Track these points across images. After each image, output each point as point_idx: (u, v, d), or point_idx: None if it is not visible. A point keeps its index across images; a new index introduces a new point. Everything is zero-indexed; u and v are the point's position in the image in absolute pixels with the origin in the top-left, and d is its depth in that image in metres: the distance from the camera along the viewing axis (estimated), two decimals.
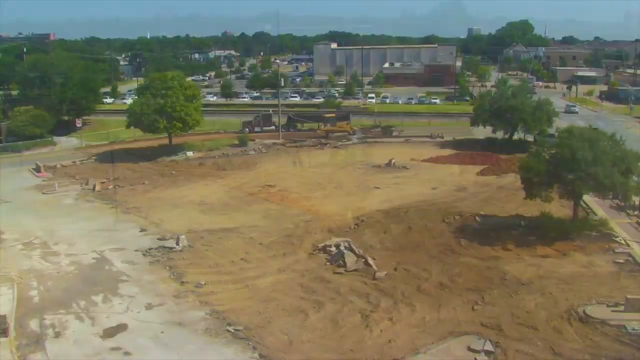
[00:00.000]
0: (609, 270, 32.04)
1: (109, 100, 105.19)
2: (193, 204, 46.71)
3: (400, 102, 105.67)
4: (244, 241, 37.83)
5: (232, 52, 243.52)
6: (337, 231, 39.06)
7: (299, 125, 79.12)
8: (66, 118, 78.04)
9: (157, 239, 38.42)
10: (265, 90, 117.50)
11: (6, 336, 25.84)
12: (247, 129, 74.59)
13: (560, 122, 62.07)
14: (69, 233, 39.97)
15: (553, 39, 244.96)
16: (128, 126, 67.35)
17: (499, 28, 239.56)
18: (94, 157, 64.49)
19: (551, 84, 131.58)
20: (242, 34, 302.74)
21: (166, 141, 67.23)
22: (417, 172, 54.92)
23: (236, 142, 69.18)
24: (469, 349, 24.50)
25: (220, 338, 25.92)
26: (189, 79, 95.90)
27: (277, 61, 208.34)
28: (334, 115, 79.44)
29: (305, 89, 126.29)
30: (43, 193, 50.25)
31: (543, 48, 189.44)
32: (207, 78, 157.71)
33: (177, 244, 36.82)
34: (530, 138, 65.03)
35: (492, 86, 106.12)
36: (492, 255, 34.36)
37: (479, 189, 48.58)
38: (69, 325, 27.19)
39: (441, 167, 56.46)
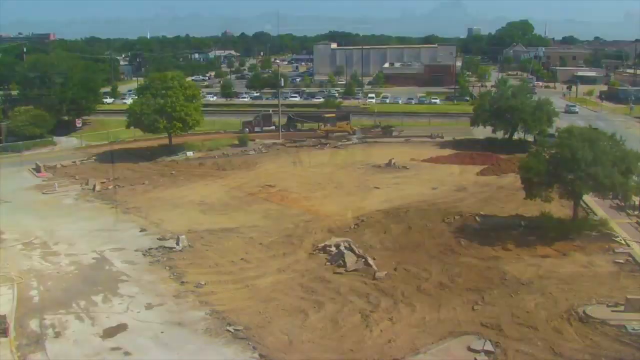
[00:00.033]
0: (609, 270, 32.05)
1: (109, 100, 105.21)
2: (193, 204, 46.71)
3: (400, 102, 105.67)
4: (244, 241, 37.84)
5: (232, 52, 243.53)
6: (337, 231, 39.06)
7: (299, 125, 79.05)
8: (66, 118, 78.04)
9: (157, 239, 38.43)
10: (265, 90, 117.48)
11: (6, 336, 25.85)
12: (247, 129, 74.58)
13: (561, 122, 62.08)
14: (69, 233, 39.99)
15: (553, 39, 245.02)
16: (128, 126, 67.35)
17: (499, 28, 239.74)
18: (94, 157, 64.50)
19: (551, 84, 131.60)
20: (242, 34, 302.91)
21: (166, 141, 67.21)
22: (417, 172, 54.92)
23: (236, 142, 69.18)
24: (469, 349, 24.51)
25: (220, 338, 25.92)
26: (189, 78, 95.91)
27: (277, 61, 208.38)
28: (334, 115, 79.33)
29: (305, 89, 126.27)
30: (43, 193, 50.26)
31: (543, 48, 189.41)
32: (207, 78, 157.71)
33: (177, 244, 36.83)
34: (530, 138, 65.03)
35: (492, 86, 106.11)
36: (492, 255, 34.37)
37: (479, 189, 48.59)
38: (69, 325, 27.20)
39: (441, 167, 56.46)
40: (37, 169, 57.50)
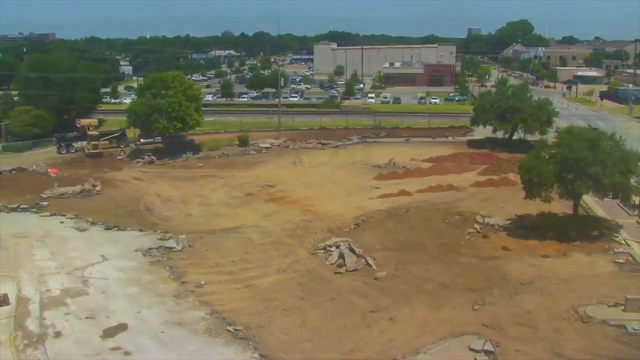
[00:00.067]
0: (609, 270, 32.09)
1: (111, 100, 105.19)
2: (193, 203, 46.71)
3: (400, 102, 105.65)
4: (244, 241, 37.85)
5: (232, 52, 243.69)
6: (337, 231, 39.07)
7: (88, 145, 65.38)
8: (66, 117, 77.96)
9: (157, 239, 38.44)
10: (265, 90, 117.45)
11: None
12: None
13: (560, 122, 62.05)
14: (68, 233, 40.02)
15: (553, 39, 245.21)
16: (128, 126, 67.30)
17: (499, 28, 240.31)
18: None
19: (551, 84, 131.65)
20: (242, 33, 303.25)
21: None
22: (417, 172, 54.85)
23: (236, 142, 69.15)
24: (469, 349, 24.51)
25: (220, 338, 25.92)
26: (189, 77, 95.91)
27: (279, 61, 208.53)
28: (96, 132, 66.82)
29: (304, 90, 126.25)
30: (43, 195, 50.03)
31: (543, 48, 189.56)
32: (207, 78, 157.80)
33: (177, 244, 36.84)
34: (530, 138, 64.98)
35: (492, 86, 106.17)
36: (492, 255, 34.39)
37: (479, 189, 48.59)
38: (69, 325, 27.18)
39: (441, 167, 56.43)
40: (39, 168, 57.65)
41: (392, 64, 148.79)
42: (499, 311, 27.63)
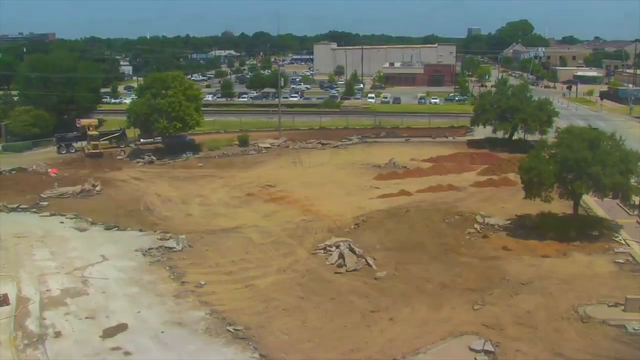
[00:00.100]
0: (609, 270, 32.08)
1: (111, 100, 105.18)
2: (193, 203, 46.71)
3: (400, 102, 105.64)
4: (244, 241, 37.84)
5: (232, 52, 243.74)
6: (337, 231, 39.06)
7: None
8: (66, 117, 77.96)
9: (157, 239, 38.44)
10: (265, 90, 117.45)
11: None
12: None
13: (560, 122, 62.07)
14: (68, 233, 40.02)
15: (553, 39, 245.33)
16: (128, 126, 67.30)
17: (499, 28, 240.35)
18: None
19: (551, 84, 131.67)
20: (242, 34, 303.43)
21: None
22: (417, 172, 54.85)
23: (236, 142, 69.15)
24: (469, 349, 24.50)
25: (220, 338, 25.91)
26: (188, 77, 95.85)
27: (279, 61, 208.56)
28: (96, 132, 66.63)
29: (305, 89, 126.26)
30: (43, 195, 50.03)
31: (543, 48, 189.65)
32: (207, 78, 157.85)
33: (177, 244, 36.84)
34: (530, 138, 64.99)
35: (492, 86, 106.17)
36: (492, 255, 34.39)
37: (479, 189, 48.59)
38: (69, 325, 27.18)
39: (441, 167, 56.43)
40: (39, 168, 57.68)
41: (392, 64, 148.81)
42: (499, 311, 27.63)
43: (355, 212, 42.61)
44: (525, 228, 38.43)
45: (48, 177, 55.41)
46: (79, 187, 50.45)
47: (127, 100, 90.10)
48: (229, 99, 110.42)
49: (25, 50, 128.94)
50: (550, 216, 38.63)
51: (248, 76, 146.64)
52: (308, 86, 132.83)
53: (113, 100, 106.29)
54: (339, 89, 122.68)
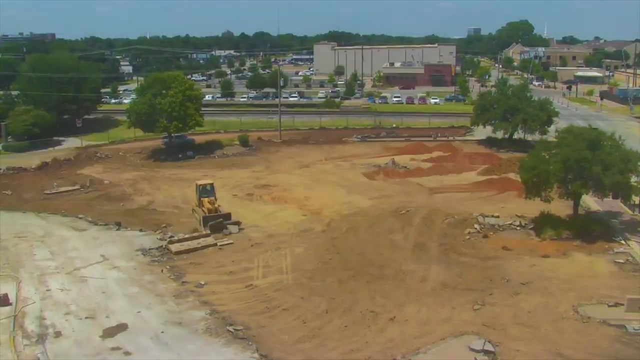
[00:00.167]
0: (609, 270, 32.09)
1: (111, 100, 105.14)
2: (193, 203, 46.58)
3: (399, 101, 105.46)
4: (244, 241, 37.80)
5: (232, 52, 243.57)
6: (337, 231, 39.02)
7: None
8: (66, 117, 77.93)
9: (157, 239, 38.42)
10: (265, 90, 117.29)
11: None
12: None
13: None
14: (68, 233, 40.02)
15: (553, 39, 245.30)
16: (129, 126, 67.31)
17: (499, 28, 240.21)
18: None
19: (551, 84, 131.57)
20: (242, 34, 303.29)
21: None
22: (417, 172, 54.86)
23: (236, 142, 69.10)
24: (469, 349, 24.51)
25: (220, 338, 25.92)
26: (189, 77, 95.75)
27: (279, 61, 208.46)
28: None
29: (304, 90, 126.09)
30: (45, 194, 50.07)
31: (543, 48, 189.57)
32: (207, 78, 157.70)
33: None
34: (530, 138, 64.97)
35: (492, 86, 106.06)
36: (492, 255, 34.39)
37: (479, 189, 48.56)
38: (69, 325, 27.19)
39: (441, 167, 56.43)
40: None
41: (392, 64, 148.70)
42: (499, 311, 27.64)
43: (355, 212, 42.56)
44: (525, 228, 38.44)
45: (48, 176, 55.37)
46: (79, 186, 50.71)
47: (127, 101, 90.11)
48: (229, 99, 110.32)
49: (25, 50, 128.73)
50: (550, 216, 38.62)
51: (248, 76, 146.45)
52: (308, 86, 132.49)
53: (113, 101, 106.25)
54: (338, 89, 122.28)
